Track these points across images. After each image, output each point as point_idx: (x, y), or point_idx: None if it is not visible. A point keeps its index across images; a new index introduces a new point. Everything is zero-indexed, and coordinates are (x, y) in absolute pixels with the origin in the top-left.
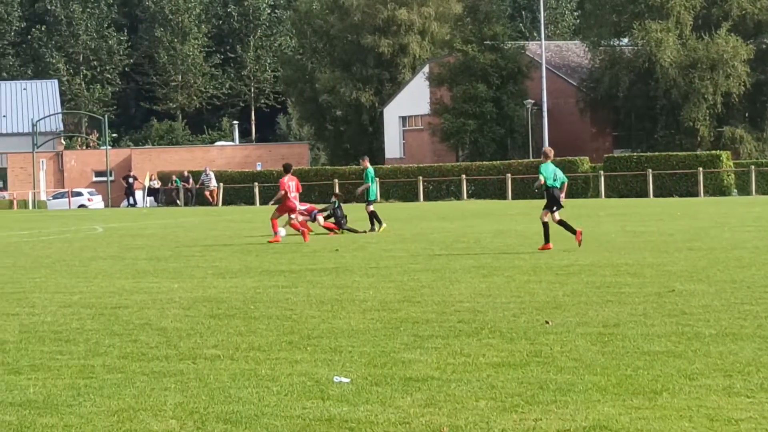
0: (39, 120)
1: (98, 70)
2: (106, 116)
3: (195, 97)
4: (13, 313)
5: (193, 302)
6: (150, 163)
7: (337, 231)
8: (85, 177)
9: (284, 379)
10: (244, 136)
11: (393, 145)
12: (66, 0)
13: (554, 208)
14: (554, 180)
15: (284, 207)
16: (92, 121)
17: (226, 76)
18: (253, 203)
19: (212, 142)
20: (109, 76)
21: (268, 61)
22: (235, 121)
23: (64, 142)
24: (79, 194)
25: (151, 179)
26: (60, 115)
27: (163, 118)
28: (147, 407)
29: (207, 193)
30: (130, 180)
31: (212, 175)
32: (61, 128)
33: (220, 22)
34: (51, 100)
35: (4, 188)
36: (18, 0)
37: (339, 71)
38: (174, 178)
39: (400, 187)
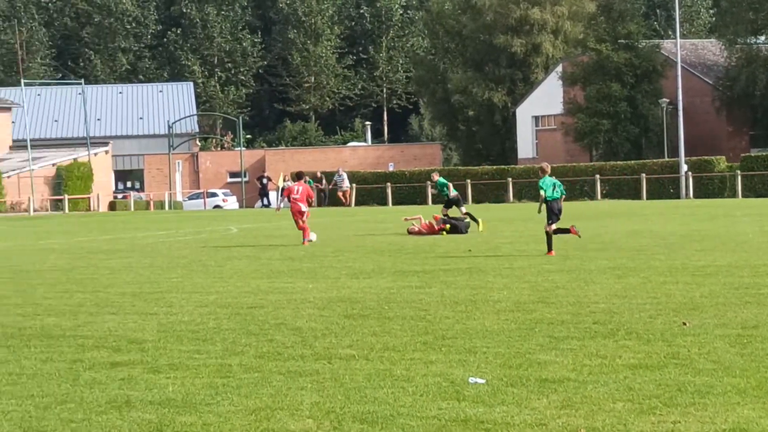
0: (175, 122)
1: (232, 72)
2: (240, 118)
3: (328, 98)
4: (151, 313)
5: (328, 302)
6: (283, 163)
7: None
8: (220, 178)
9: (419, 379)
10: (377, 136)
11: (526, 145)
12: (201, 3)
13: (555, 219)
14: (554, 192)
15: (293, 209)
16: (227, 122)
17: (359, 77)
18: (385, 203)
19: (345, 142)
20: (243, 77)
21: (401, 61)
22: (367, 122)
23: (199, 144)
24: (214, 195)
25: (284, 180)
26: (195, 117)
27: (296, 119)
28: (284, 406)
29: (340, 193)
30: (264, 181)
31: (345, 176)
32: (197, 130)
33: (353, 23)
34: (186, 102)
35: (141, 189)
36: (154, 3)
37: (471, 71)
38: (307, 178)
39: (533, 187)
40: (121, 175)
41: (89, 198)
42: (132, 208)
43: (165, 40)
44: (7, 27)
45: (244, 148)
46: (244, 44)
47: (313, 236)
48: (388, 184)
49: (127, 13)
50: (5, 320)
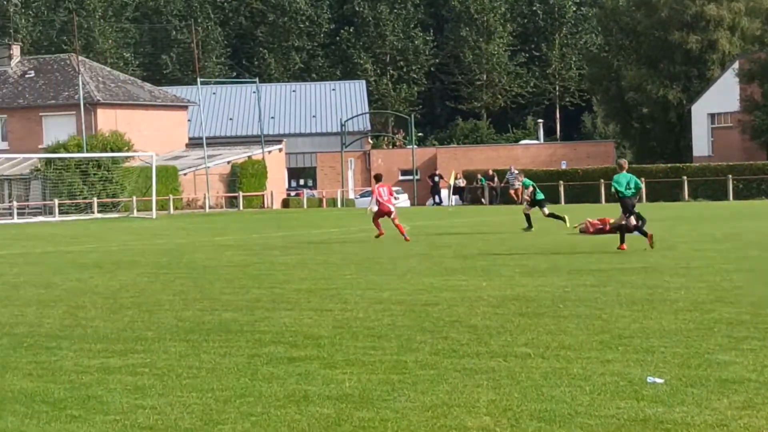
0: (347, 120)
1: (404, 70)
2: (412, 116)
3: (500, 96)
4: (326, 309)
5: (502, 300)
6: (455, 161)
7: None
8: (392, 176)
9: (596, 378)
10: (549, 134)
11: (701, 143)
12: (374, 1)
13: (629, 214)
14: (627, 189)
15: (381, 211)
16: (398, 120)
17: (531, 74)
18: (558, 202)
19: (516, 140)
20: (415, 75)
21: (573, 59)
22: (539, 120)
23: (371, 142)
24: None
25: (456, 178)
26: (367, 115)
27: (467, 117)
28: (460, 403)
29: (512, 191)
30: (436, 179)
31: (517, 174)
32: (369, 128)
33: (525, 20)
34: (359, 100)
35: (314, 187)
36: (328, 2)
37: (645, 68)
38: (479, 176)
39: (708, 185)
40: (294, 173)
41: (263, 195)
42: (305, 206)
43: (338, 38)
44: (183, 27)
45: (415, 146)
46: (416, 42)
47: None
48: (561, 182)
49: (301, 12)
50: (185, 315)
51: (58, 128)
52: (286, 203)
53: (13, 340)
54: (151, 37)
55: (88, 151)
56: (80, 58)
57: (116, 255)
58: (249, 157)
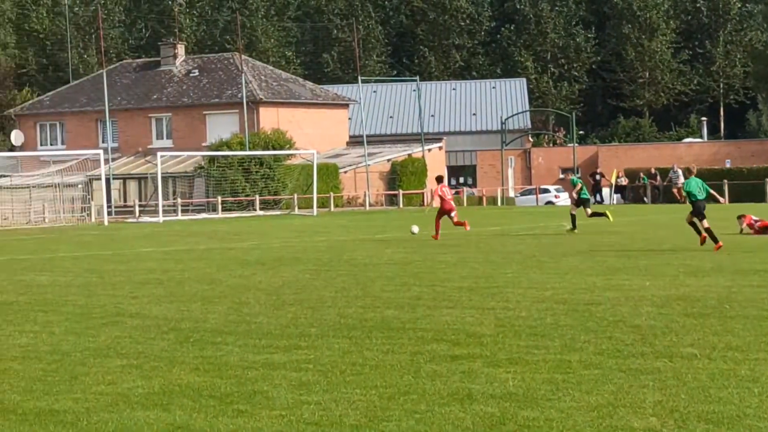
0: (508, 118)
1: (565, 68)
2: (573, 114)
3: (662, 94)
4: (488, 308)
5: (666, 300)
6: (617, 160)
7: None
8: (552, 174)
9: (765, 380)
10: (713, 132)
11: None
12: None
13: (701, 217)
14: (699, 193)
15: (443, 210)
16: (559, 118)
17: (695, 72)
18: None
19: (679, 139)
20: (576, 73)
21: (738, 56)
22: (703, 118)
23: (531, 140)
24: (547, 191)
25: (618, 176)
26: (528, 113)
27: (629, 115)
28: (626, 404)
29: (675, 190)
30: (597, 177)
31: (680, 173)
32: (529, 126)
33: (689, 17)
34: (519, 98)
35: (473, 185)
36: (488, 0)
37: None
38: (641, 175)
39: None
40: (454, 171)
41: (423, 193)
42: (465, 204)
43: (498, 36)
44: (344, 25)
45: (576, 144)
46: (577, 40)
47: (415, 228)
48: (725, 181)
49: (462, 10)
50: (347, 312)
51: (221, 126)
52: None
53: (179, 335)
54: (312, 35)
55: (250, 149)
56: (243, 56)
57: (278, 252)
58: (409, 155)
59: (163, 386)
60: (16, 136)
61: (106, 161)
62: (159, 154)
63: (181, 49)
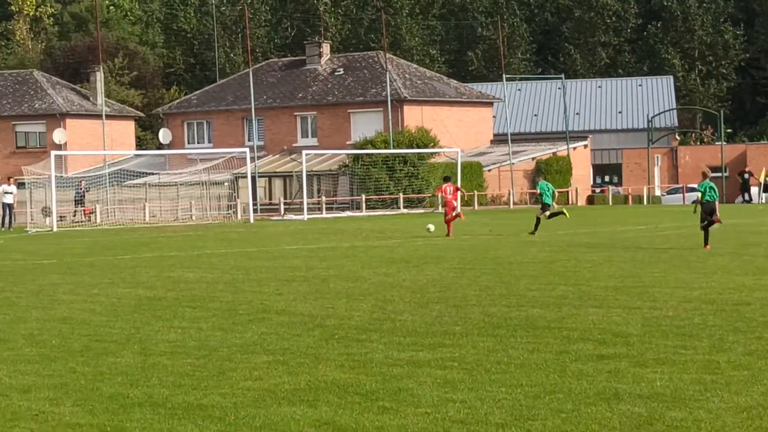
0: (654, 116)
1: (713, 65)
2: (721, 112)
3: None
4: (635, 307)
5: None
6: (765, 158)
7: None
8: (700, 173)
9: None
10: None
11: None
12: None
13: (711, 217)
14: (708, 195)
15: (448, 207)
16: (707, 116)
17: None
18: None
19: None
20: (724, 71)
21: None
22: None
23: (678, 138)
24: (694, 190)
25: (766, 175)
26: (674, 111)
27: None
28: None
29: None
30: (746, 176)
31: None
32: (676, 124)
33: None
34: (666, 96)
35: (619, 183)
36: None
37: None
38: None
39: None
40: (599, 169)
41: (568, 191)
42: (610, 202)
43: (645, 33)
44: (489, 23)
45: (724, 143)
46: (725, 37)
47: (431, 227)
48: None
49: (608, 8)
50: (491, 310)
51: (365, 125)
52: (591, 200)
53: (324, 332)
54: (457, 33)
55: (394, 147)
56: (388, 55)
57: (422, 250)
58: (554, 153)
59: (309, 382)
60: (164, 135)
61: (252, 159)
62: (304, 152)
63: (326, 48)
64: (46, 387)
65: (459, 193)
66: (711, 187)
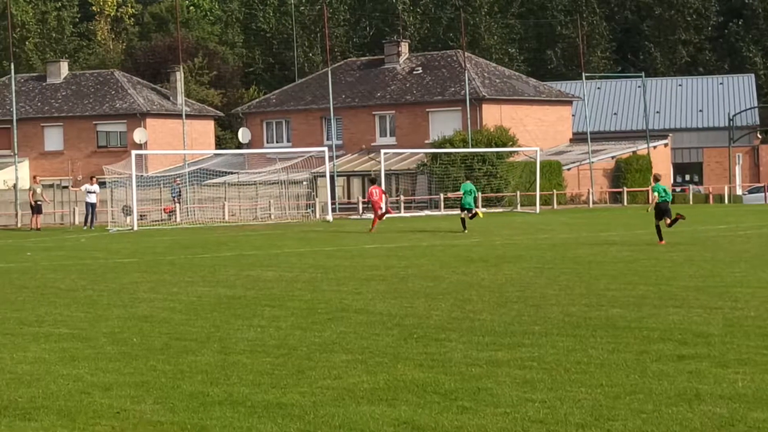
0: (735, 114)
1: None
2: None
3: None
4: (716, 307)
5: None
6: None
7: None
8: None
9: None
10: None
11: None
12: None
13: (664, 216)
14: (665, 196)
15: (376, 207)
16: None
17: None
18: None
19: None
20: None
21: None
22: None
23: (759, 137)
24: None
25: None
26: (756, 110)
27: None
28: None
29: None
30: None
31: None
32: (758, 122)
33: None
34: (747, 94)
35: (699, 183)
36: None
37: None
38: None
39: None
40: (679, 168)
41: (648, 191)
42: (690, 202)
43: (726, 31)
44: (568, 22)
45: None
46: None
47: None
48: None
49: (688, 5)
50: (571, 310)
51: (443, 123)
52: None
53: (403, 332)
54: (535, 32)
55: (473, 146)
56: (466, 54)
57: (500, 249)
58: (633, 152)
59: (387, 382)
60: (244, 134)
61: (331, 158)
62: (382, 151)
63: (404, 47)
64: (128, 385)
65: (385, 196)
66: (664, 189)
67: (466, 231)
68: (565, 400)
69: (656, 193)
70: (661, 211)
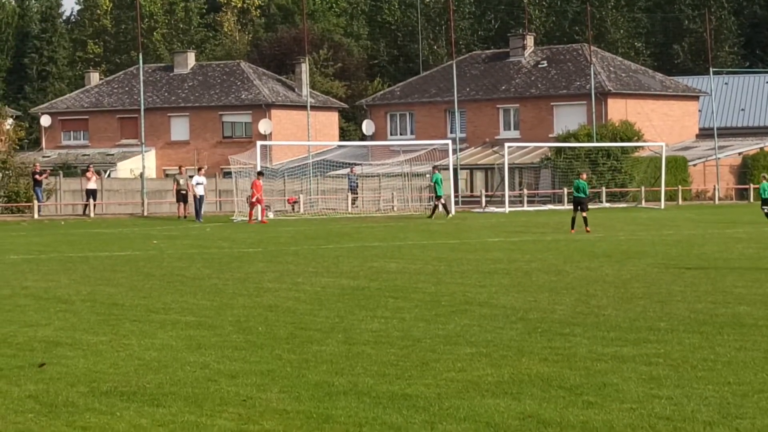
0: None
1: None
2: None
3: None
4: None
5: None
6: None
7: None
8: None
9: None
10: None
11: None
12: None
13: (580, 208)
14: (578, 192)
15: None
16: None
17: None
18: None
19: None
20: None
21: None
22: None
23: None
24: None
25: None
26: None
27: None
28: None
29: None
30: None
31: None
32: None
33: None
34: None
35: None
36: None
37: None
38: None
39: None
40: None
41: None
42: None
43: None
44: (696, 16)
45: None
46: None
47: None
48: None
49: None
50: (697, 306)
51: (568, 117)
52: None
53: (527, 325)
54: (662, 26)
55: (597, 141)
56: (592, 47)
57: (625, 245)
58: (761, 148)
59: (512, 375)
60: (368, 126)
61: (454, 151)
62: (506, 144)
63: (530, 40)
64: (253, 373)
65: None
66: (584, 186)
67: (433, 218)
68: (692, 397)
69: (574, 188)
70: (578, 204)
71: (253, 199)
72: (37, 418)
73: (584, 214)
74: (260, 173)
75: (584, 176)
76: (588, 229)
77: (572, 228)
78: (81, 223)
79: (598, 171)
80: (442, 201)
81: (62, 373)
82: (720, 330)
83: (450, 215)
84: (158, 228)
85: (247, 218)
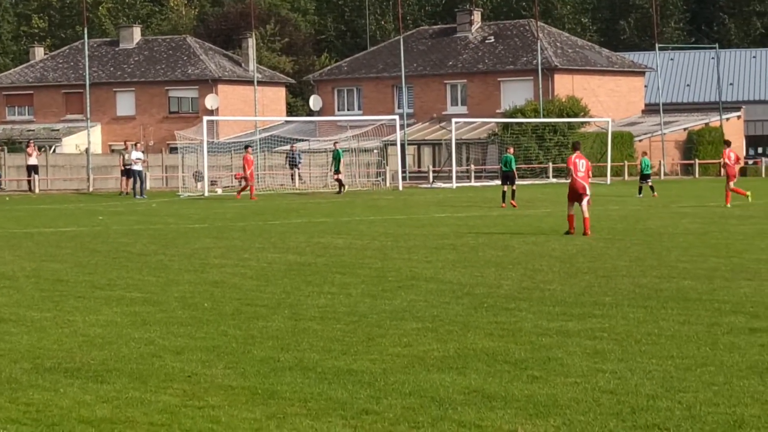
0: None
1: None
2: None
3: None
4: None
5: None
6: None
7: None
8: None
9: None
10: None
11: None
12: None
13: (509, 182)
14: (508, 166)
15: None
16: None
17: None
18: None
19: None
20: None
21: None
22: None
23: None
24: None
25: None
26: None
27: None
28: None
29: None
30: None
31: None
32: None
33: None
34: None
35: None
36: None
37: None
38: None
39: None
40: (752, 141)
41: (719, 163)
42: (763, 174)
43: None
44: None
45: None
46: None
47: None
48: None
49: None
50: (642, 281)
51: (515, 93)
52: (743, 172)
53: (473, 300)
54: (609, 2)
55: (544, 116)
56: (539, 23)
57: None
58: (706, 124)
59: (458, 350)
60: (315, 101)
61: (402, 127)
62: (453, 120)
63: (477, 16)
64: (199, 349)
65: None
66: (513, 159)
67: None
68: (636, 371)
69: (503, 163)
70: (505, 177)
71: (247, 173)
72: None
73: (513, 187)
74: (248, 146)
75: (511, 150)
76: (514, 203)
77: (503, 202)
78: (26, 198)
79: (545, 146)
80: (340, 176)
81: (5, 350)
82: (664, 304)
83: (342, 192)
84: (104, 204)
85: (248, 193)
